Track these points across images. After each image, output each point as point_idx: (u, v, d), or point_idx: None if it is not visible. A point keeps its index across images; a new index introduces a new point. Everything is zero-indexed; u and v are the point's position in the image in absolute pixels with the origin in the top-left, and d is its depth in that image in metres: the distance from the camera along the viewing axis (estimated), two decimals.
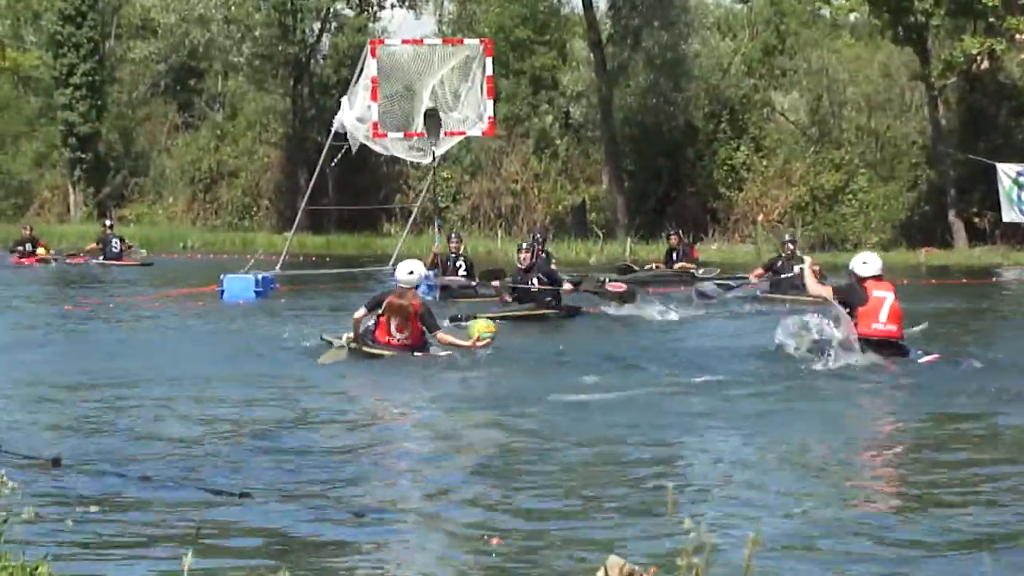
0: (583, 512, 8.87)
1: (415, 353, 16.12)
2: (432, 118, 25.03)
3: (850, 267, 16.06)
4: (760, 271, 26.34)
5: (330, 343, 16.73)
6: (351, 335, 16.39)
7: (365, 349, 16.20)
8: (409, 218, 34.39)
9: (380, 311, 16.20)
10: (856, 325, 15.47)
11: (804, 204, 45.21)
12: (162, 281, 30.86)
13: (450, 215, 47.85)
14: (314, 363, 15.98)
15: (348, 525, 8.42)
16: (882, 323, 15.50)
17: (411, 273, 16.49)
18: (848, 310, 15.60)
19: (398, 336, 16.15)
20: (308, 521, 8.48)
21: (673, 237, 30.94)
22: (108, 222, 40.83)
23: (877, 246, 42.25)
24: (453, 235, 27.83)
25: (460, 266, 26.17)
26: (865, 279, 15.64)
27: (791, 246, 25.98)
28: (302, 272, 31.34)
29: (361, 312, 16.35)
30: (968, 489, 9.54)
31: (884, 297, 15.59)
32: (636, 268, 31.11)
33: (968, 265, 35.91)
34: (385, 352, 16.09)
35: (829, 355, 15.26)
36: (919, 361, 15.55)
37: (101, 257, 37.19)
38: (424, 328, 16.22)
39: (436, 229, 26.93)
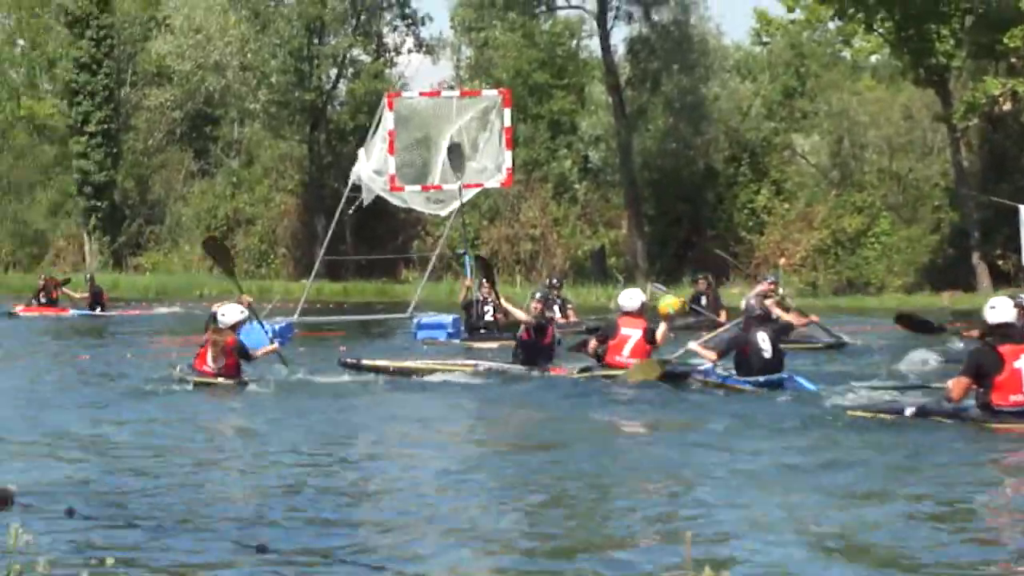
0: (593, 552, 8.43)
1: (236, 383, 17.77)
2: (455, 151, 24.64)
3: (618, 301, 18.44)
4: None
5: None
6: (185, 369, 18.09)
7: (186, 378, 17.80)
8: (428, 264, 34.09)
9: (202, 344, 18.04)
10: (606, 355, 17.66)
11: (826, 247, 44.79)
12: (173, 330, 30.45)
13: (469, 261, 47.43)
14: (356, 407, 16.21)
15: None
16: (625, 357, 17.57)
17: (223, 315, 18.12)
18: (601, 341, 17.79)
19: (213, 366, 17.76)
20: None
21: (701, 282, 28.80)
22: (88, 274, 40.08)
23: (900, 289, 41.94)
24: (555, 279, 28.27)
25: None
26: (624, 314, 17.87)
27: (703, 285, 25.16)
28: (320, 319, 30.97)
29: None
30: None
31: (630, 335, 17.68)
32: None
33: None
34: (207, 381, 17.59)
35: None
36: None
37: (99, 308, 36.34)
38: (240, 360, 17.93)
39: (466, 261, 26.38)
